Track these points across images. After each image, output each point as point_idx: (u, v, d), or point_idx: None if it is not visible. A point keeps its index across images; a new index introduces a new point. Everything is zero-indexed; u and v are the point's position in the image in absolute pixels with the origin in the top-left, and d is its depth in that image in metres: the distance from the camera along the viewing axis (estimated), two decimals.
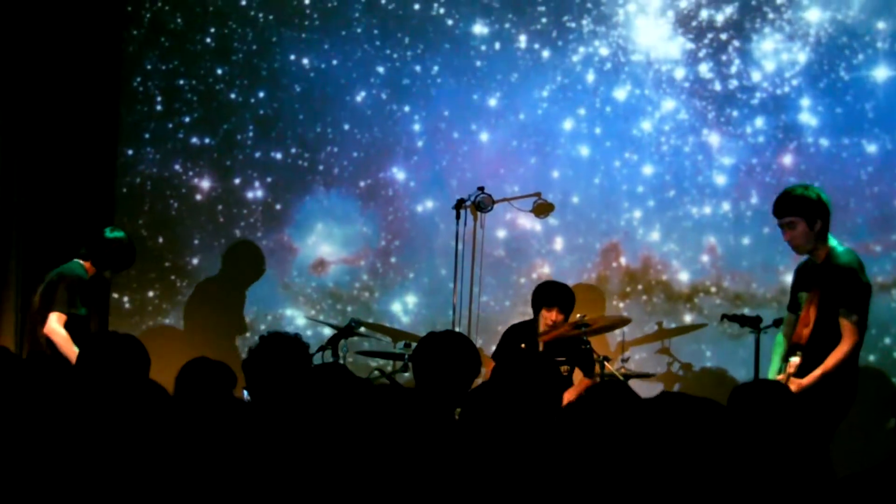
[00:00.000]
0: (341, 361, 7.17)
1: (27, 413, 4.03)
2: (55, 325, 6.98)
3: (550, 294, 7.60)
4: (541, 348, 7.53)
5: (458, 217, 7.86)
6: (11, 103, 8.36)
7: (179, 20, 8.78)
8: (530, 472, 3.77)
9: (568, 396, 6.88)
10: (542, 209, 8.13)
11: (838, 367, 5.97)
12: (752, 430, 3.90)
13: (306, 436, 3.95)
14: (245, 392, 4.95)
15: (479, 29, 8.61)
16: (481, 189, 7.94)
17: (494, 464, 3.82)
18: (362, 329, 7.51)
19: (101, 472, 3.73)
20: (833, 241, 6.17)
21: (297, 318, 8.68)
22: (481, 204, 7.91)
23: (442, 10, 8.63)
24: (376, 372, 7.39)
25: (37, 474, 3.73)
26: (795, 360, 6.03)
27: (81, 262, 7.27)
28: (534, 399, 4.17)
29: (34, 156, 8.40)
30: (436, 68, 8.66)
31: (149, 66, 8.79)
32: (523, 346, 7.55)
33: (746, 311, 7.36)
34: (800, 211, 6.10)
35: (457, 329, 7.58)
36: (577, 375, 7.61)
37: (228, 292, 8.78)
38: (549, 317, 7.53)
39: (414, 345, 6.99)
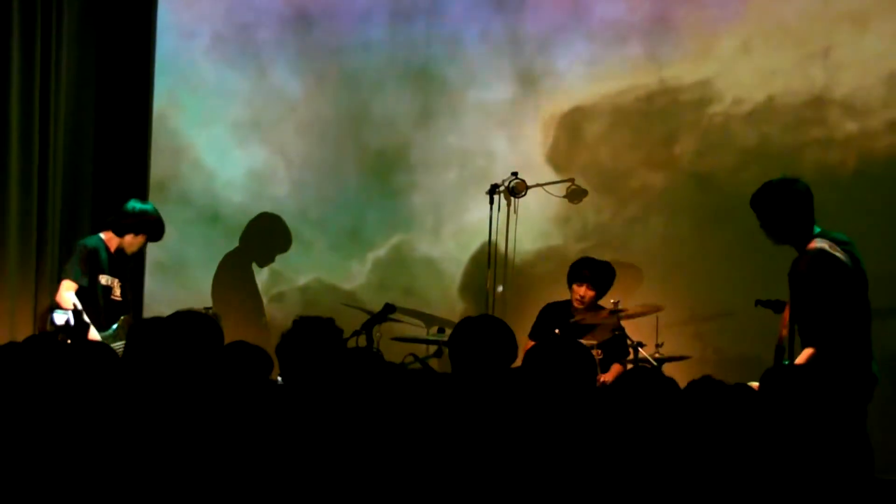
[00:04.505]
0: (375, 346, 7.14)
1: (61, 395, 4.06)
2: (63, 292, 7.14)
3: (580, 269, 7.59)
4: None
5: (491, 202, 8.01)
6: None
7: None
8: (565, 457, 3.81)
9: (602, 380, 6.99)
10: (576, 195, 8.24)
11: None
12: (783, 413, 3.97)
13: (340, 421, 3.96)
14: (279, 378, 4.83)
15: None
16: (514, 174, 8.06)
17: (529, 448, 3.85)
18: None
19: (134, 455, 3.82)
20: (816, 231, 5.74)
21: None
22: (514, 189, 8.03)
23: None
24: (410, 357, 7.15)
25: (73, 455, 3.81)
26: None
27: (102, 233, 7.43)
28: (567, 384, 4.18)
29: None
30: None
31: None
32: (557, 331, 7.43)
33: None
34: (759, 213, 5.81)
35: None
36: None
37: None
38: (579, 292, 7.53)
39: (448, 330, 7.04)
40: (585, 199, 8.31)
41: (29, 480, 3.74)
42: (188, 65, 8.80)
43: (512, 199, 8.06)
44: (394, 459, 3.75)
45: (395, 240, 8.71)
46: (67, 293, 7.13)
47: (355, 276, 8.73)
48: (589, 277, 7.55)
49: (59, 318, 6.92)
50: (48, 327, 7.03)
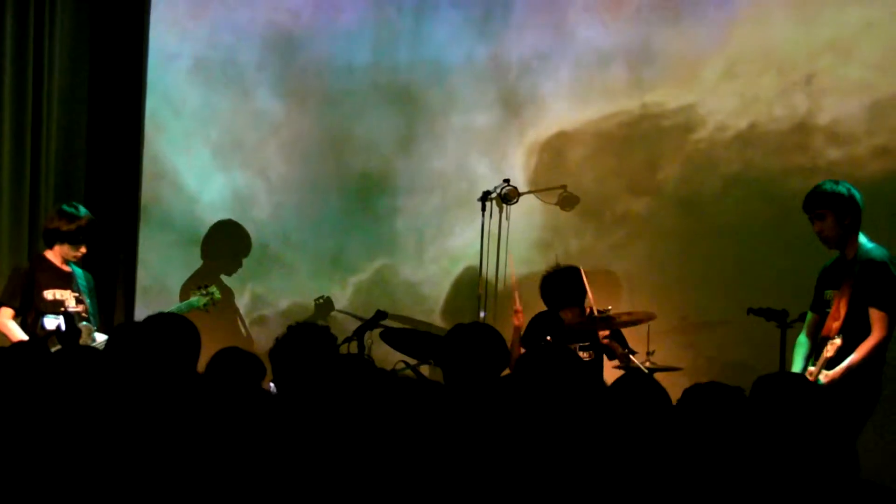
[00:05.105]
0: (366, 353, 7.10)
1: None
2: (2, 320, 7.07)
3: (560, 296, 7.40)
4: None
5: (483, 209, 8.00)
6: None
7: None
8: (556, 463, 3.80)
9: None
10: (567, 201, 8.22)
11: (865, 360, 5.99)
12: (773, 421, 3.92)
13: (331, 427, 3.95)
14: (272, 385, 4.84)
15: None
16: (507, 181, 8.09)
17: (520, 455, 3.84)
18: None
19: (125, 461, 3.80)
20: (863, 238, 6.19)
21: None
22: (507, 196, 8.06)
23: None
24: (401, 363, 7.14)
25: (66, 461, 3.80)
26: (837, 341, 6.04)
27: (46, 251, 7.30)
28: (558, 392, 4.15)
29: None
30: None
31: None
32: (549, 338, 7.31)
33: None
34: (829, 204, 6.17)
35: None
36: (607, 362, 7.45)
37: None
38: (570, 315, 7.36)
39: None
40: (568, 225, 8.32)
41: (17, 486, 3.72)
42: (170, 87, 8.79)
43: (504, 206, 8.06)
44: (384, 466, 3.75)
45: (377, 264, 8.69)
46: (8, 322, 7.06)
47: (337, 300, 8.70)
48: (574, 301, 7.36)
49: (50, 322, 6.92)
50: (38, 332, 6.96)
